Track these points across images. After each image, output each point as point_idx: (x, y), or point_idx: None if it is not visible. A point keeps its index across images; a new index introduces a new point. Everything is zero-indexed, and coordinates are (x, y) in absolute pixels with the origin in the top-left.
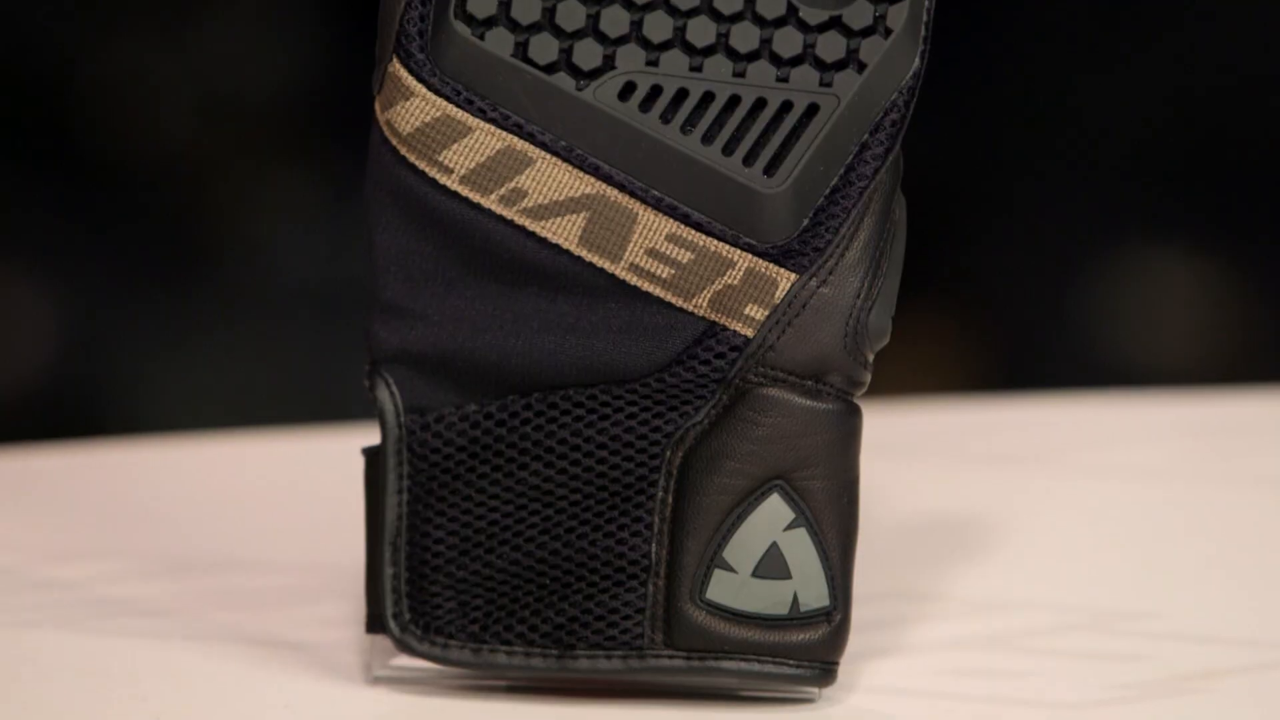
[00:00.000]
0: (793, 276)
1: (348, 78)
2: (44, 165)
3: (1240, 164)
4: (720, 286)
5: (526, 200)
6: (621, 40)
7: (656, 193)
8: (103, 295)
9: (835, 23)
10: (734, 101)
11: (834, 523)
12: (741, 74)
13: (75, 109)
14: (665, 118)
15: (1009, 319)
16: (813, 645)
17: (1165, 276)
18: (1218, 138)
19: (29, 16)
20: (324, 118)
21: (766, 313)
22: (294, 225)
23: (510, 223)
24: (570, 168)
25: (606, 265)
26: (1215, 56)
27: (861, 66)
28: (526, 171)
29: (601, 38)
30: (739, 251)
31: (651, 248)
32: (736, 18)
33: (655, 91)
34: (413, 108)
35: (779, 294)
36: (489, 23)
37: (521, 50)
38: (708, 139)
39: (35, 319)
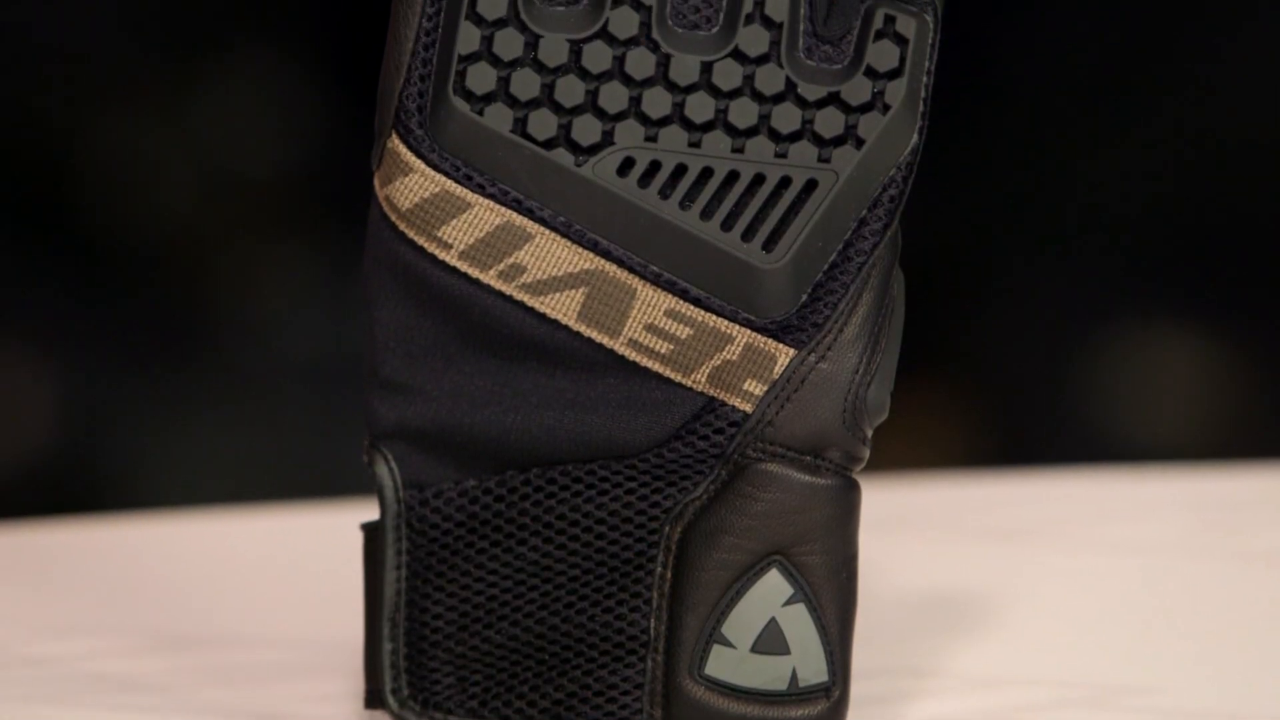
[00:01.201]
0: (791, 352)
1: (347, 154)
2: (44, 242)
3: (1235, 241)
4: (719, 362)
5: (525, 276)
6: (620, 116)
7: (655, 268)
8: (102, 371)
9: (834, 99)
10: (733, 177)
11: (833, 598)
12: (740, 149)
13: (74, 186)
14: (664, 193)
15: (1007, 395)
16: None
17: (1162, 352)
18: (1213, 215)
19: (27, 94)
20: (323, 195)
21: (765, 388)
22: (293, 302)
23: (509, 298)
24: (569, 243)
25: (605, 340)
26: (1210, 134)
27: (860, 142)
28: (525, 247)
29: (600, 113)
30: (738, 327)
31: (650, 323)
32: (735, 93)
33: (654, 167)
34: (412, 183)
35: (778, 369)
36: (488, 98)
37: (520, 126)
38: (706, 214)
39: (35, 394)
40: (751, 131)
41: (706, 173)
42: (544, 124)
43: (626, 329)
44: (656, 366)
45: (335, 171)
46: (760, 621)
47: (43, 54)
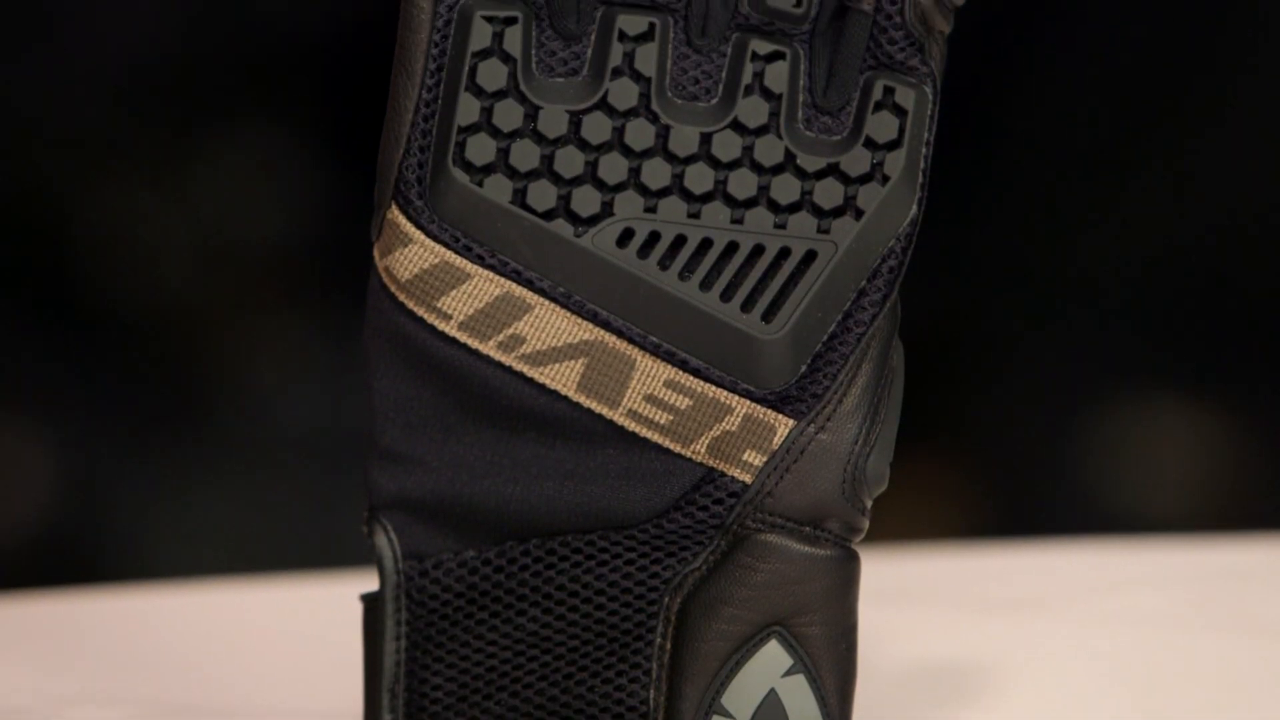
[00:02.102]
0: (791, 422)
1: (346, 226)
2: (43, 313)
3: (1233, 313)
4: (718, 432)
5: (525, 346)
6: (620, 187)
7: (655, 339)
8: (102, 442)
9: (833, 169)
10: (732, 248)
11: (832, 669)
12: (739, 220)
13: (74, 257)
14: (663, 264)
15: (1007, 465)
16: None
17: (1162, 424)
18: (1211, 288)
19: (26, 164)
20: (322, 267)
21: (765, 459)
22: (292, 374)
23: (509, 369)
24: (568, 314)
25: (605, 411)
26: (1208, 208)
27: (859, 213)
28: (525, 318)
29: (600, 184)
30: (737, 397)
31: (650, 394)
32: (734, 164)
33: (653, 238)
34: (411, 254)
35: (777, 440)
36: (488, 169)
37: (520, 197)
38: (706, 285)
39: (34, 466)
40: (751, 202)
41: (706, 243)
42: (543, 195)
43: (626, 400)
44: (656, 437)
45: (334, 243)
46: (760, 692)
47: (42, 126)
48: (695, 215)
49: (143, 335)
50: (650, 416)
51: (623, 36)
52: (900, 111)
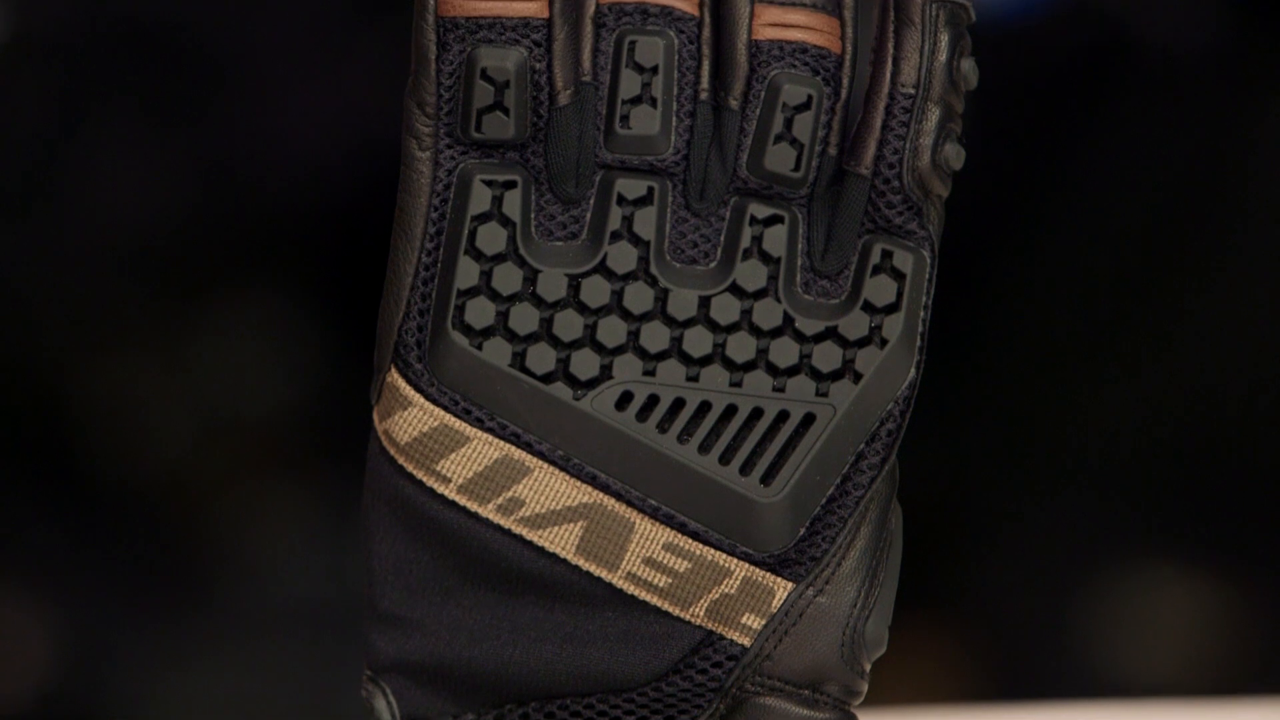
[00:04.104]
0: (789, 585)
1: (345, 392)
2: (42, 483)
3: (1230, 482)
4: (717, 595)
5: (524, 509)
6: (619, 350)
7: (654, 502)
8: (101, 612)
9: (831, 333)
10: (731, 411)
11: None
12: (738, 384)
13: (73, 426)
14: (662, 427)
15: (1005, 630)
16: None
17: (1160, 591)
18: (1210, 454)
19: (25, 336)
20: (322, 433)
21: (763, 622)
22: (292, 542)
23: (508, 532)
24: (568, 477)
25: (604, 574)
26: (1205, 377)
27: (858, 377)
28: (524, 481)
29: (599, 348)
30: (736, 560)
31: (649, 556)
32: (733, 328)
33: (652, 401)
34: (410, 417)
35: (776, 603)
36: (487, 333)
37: (519, 360)
38: (704, 448)
39: (33, 634)
40: (749, 366)
41: (704, 407)
42: (543, 358)
43: (625, 562)
44: (655, 600)
45: (333, 411)
46: None
47: (41, 297)
48: (694, 378)
49: (142, 505)
50: (649, 579)
51: (621, 200)
52: (898, 275)
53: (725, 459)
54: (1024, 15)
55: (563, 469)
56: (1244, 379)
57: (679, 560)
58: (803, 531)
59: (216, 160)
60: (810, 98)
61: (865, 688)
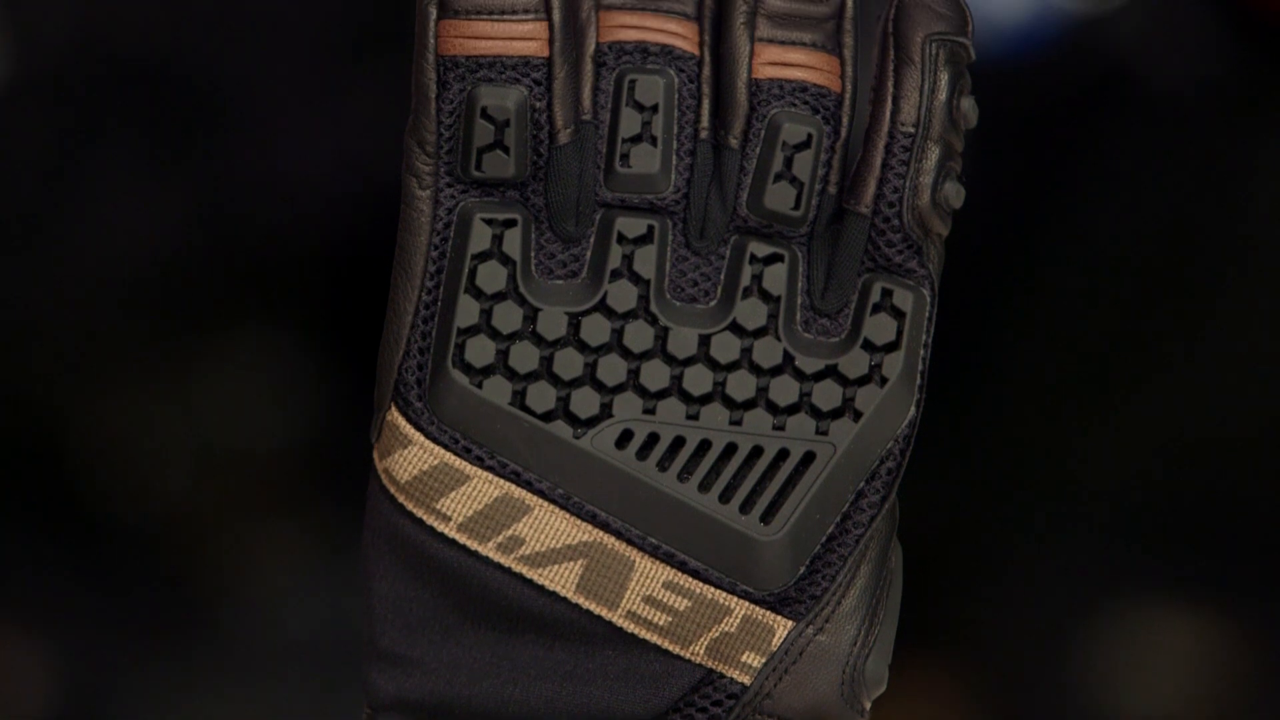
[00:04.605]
0: (789, 624)
1: (345, 430)
2: (42, 522)
3: (1229, 522)
4: (717, 634)
5: (524, 548)
6: (619, 388)
7: (654, 540)
8: (102, 651)
9: (831, 371)
10: (730, 449)
11: None
12: (738, 422)
13: (73, 465)
14: (662, 465)
15: (1005, 669)
16: None
17: (1162, 630)
18: (1211, 493)
19: (25, 371)
20: (322, 471)
21: (763, 660)
22: (292, 579)
23: (508, 570)
24: (568, 515)
25: (604, 613)
26: (1204, 417)
27: (858, 415)
28: (524, 519)
29: (599, 386)
30: (736, 599)
31: (649, 595)
32: (733, 366)
33: (652, 439)
34: (410, 456)
35: (776, 641)
36: (487, 371)
37: (519, 399)
38: (704, 486)
39: (34, 674)
40: (749, 404)
41: (704, 445)
42: (543, 397)
43: (625, 601)
44: (655, 638)
45: (333, 447)
46: None
47: (42, 332)
48: (694, 417)
49: (142, 541)
50: (649, 618)
51: (621, 239)
52: (898, 314)
53: (725, 497)
54: (1022, 54)
55: (563, 507)
56: (1247, 417)
57: (679, 598)
58: (803, 570)
59: (217, 198)
60: (810, 136)
61: None
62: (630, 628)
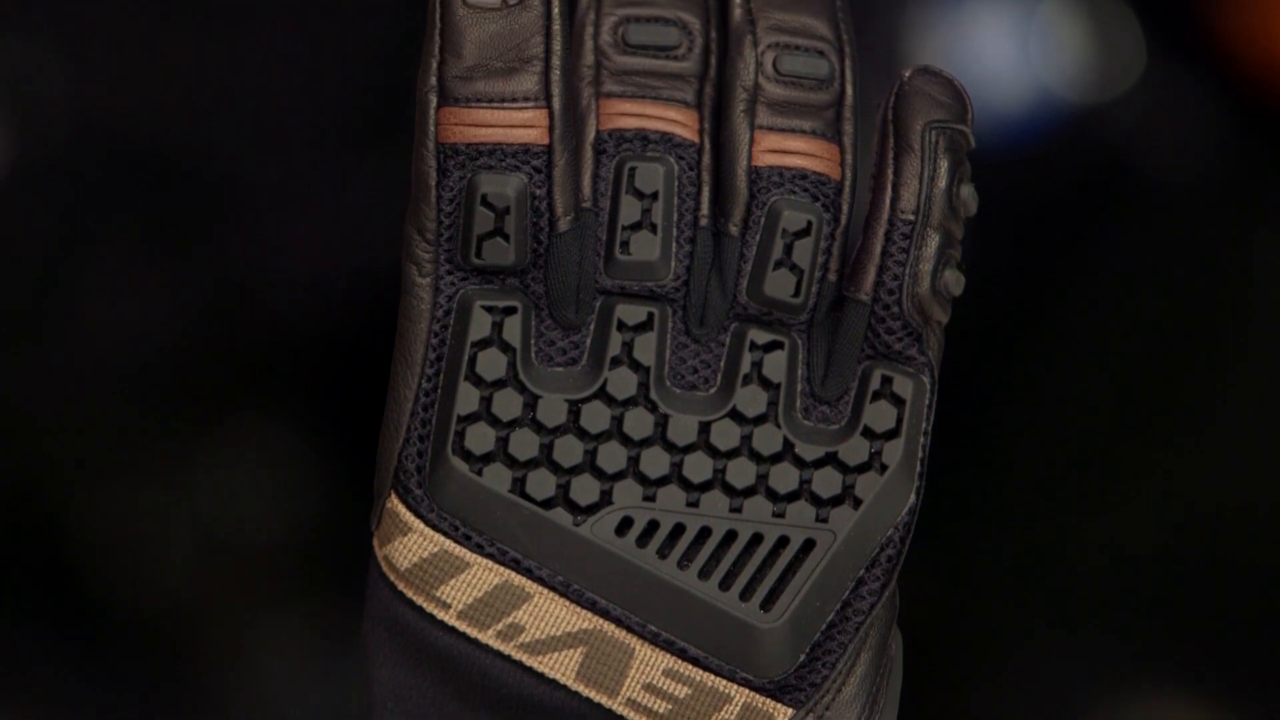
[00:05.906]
0: (789, 711)
1: (345, 519)
2: (41, 610)
3: (1238, 608)
4: None
5: (524, 635)
6: (619, 476)
7: (654, 627)
8: None
9: (831, 459)
10: (730, 536)
11: None
12: (738, 509)
13: (72, 553)
14: (662, 552)
15: None
16: None
17: (1166, 716)
18: (1215, 583)
19: (24, 460)
20: (321, 560)
21: None
22: (292, 669)
23: (508, 658)
24: (567, 603)
25: (604, 700)
26: (1206, 507)
27: (858, 503)
28: (524, 606)
29: (599, 473)
30: (736, 686)
31: (649, 682)
32: (733, 453)
33: (652, 526)
34: (410, 543)
35: None
36: (487, 458)
37: (519, 486)
38: (704, 574)
39: None
40: (749, 491)
41: (704, 532)
42: (542, 484)
43: (625, 688)
44: None
45: (333, 536)
46: None
47: (42, 421)
48: (694, 504)
49: (141, 631)
50: (649, 705)
51: (621, 326)
52: (898, 401)
53: (725, 584)
54: (1023, 142)
55: (563, 595)
56: (1250, 507)
57: (679, 686)
58: (803, 657)
59: (217, 286)
60: (810, 224)
61: None
62: (631, 715)
